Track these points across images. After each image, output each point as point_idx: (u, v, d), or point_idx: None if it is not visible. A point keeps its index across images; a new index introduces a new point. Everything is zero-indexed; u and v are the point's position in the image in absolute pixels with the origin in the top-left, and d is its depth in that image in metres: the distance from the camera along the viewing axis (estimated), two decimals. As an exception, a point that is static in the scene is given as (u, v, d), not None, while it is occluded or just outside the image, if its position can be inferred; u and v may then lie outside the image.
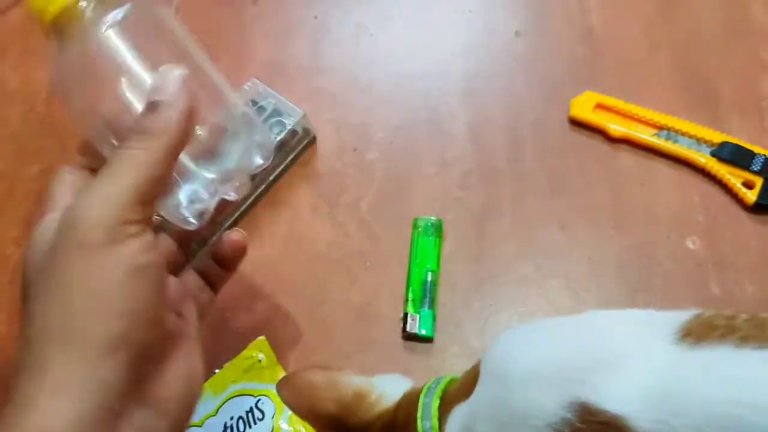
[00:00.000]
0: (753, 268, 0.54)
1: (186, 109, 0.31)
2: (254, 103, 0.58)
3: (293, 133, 0.58)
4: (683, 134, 0.57)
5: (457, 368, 0.52)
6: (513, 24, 0.65)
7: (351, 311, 0.55)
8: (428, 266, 0.55)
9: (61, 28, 0.33)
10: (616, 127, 0.58)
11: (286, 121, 0.57)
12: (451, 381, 0.41)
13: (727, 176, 0.55)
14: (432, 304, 0.54)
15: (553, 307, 0.54)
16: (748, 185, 0.55)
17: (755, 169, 0.55)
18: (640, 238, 0.56)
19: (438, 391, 0.39)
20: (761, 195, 0.54)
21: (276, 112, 0.58)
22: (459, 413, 0.36)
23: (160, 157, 0.31)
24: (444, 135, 0.61)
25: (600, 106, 0.59)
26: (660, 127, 0.58)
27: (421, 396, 0.39)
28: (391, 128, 0.61)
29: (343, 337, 0.54)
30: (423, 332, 0.53)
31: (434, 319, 0.53)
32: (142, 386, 0.31)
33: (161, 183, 0.31)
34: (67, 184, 0.35)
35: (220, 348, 0.53)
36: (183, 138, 0.32)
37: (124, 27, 0.33)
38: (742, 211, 0.56)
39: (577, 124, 0.60)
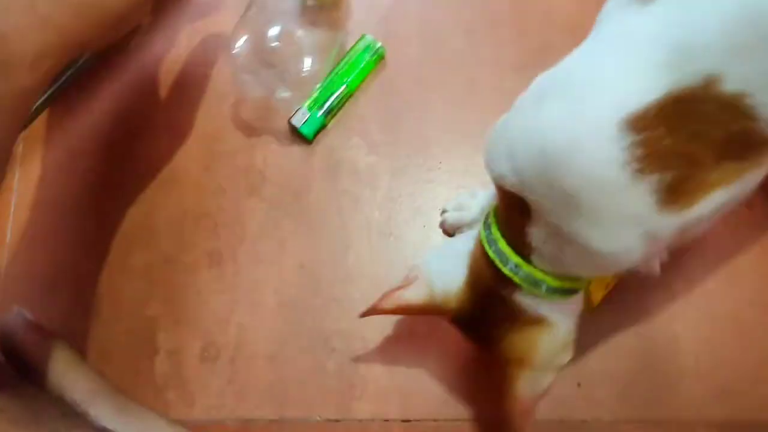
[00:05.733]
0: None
1: None
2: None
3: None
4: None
5: (359, 158, 0.55)
6: None
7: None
8: (347, 79, 0.56)
9: None
10: None
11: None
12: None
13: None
14: (328, 115, 0.55)
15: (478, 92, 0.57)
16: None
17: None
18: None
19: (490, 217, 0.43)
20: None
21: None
22: None
23: None
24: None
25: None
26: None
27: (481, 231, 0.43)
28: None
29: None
30: (304, 131, 0.55)
31: (321, 127, 0.55)
32: None
33: None
34: None
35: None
36: None
37: None
38: None
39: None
